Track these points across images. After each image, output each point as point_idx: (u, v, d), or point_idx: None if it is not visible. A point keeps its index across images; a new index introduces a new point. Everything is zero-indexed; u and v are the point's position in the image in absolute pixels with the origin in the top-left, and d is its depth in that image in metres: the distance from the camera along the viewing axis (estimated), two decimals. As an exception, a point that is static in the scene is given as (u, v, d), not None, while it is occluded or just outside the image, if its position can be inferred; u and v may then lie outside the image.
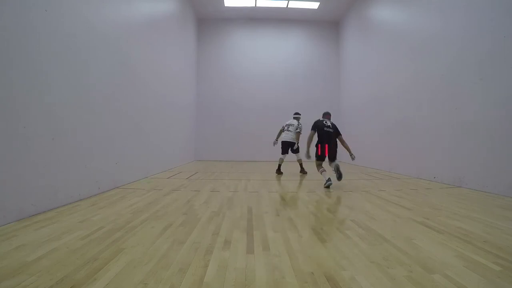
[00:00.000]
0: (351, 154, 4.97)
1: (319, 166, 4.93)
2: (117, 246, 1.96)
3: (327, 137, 4.93)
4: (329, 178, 4.59)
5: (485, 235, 2.22)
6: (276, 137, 7.06)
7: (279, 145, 6.86)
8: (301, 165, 6.76)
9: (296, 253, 1.88)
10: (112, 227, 2.38)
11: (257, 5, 10.17)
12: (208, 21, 11.10)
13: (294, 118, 6.89)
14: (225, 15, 10.86)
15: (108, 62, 4.17)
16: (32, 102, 2.73)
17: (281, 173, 6.57)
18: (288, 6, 10.20)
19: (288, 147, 6.67)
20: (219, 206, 3.26)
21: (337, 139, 5.04)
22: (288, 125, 6.78)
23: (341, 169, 4.75)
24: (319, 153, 4.89)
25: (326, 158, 4.92)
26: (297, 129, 6.65)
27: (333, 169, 4.72)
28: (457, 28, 4.85)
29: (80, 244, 1.99)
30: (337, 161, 4.82)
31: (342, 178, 4.72)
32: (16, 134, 2.54)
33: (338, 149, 5.01)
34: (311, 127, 5.11)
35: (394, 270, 1.63)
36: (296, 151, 6.66)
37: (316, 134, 5.05)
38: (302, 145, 6.24)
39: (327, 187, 4.54)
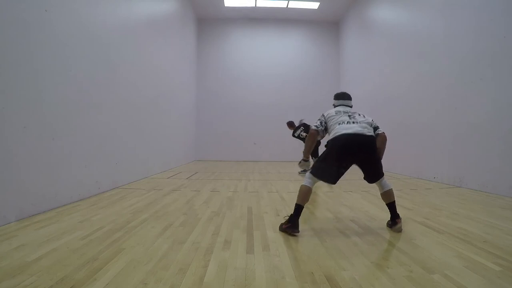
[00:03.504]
0: None
1: None
2: (117, 246, 1.96)
3: None
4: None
5: (485, 235, 2.22)
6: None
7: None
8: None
9: (296, 253, 1.88)
10: (112, 227, 2.38)
11: (257, 5, 10.17)
12: (208, 21, 11.09)
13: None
14: (225, 15, 10.85)
15: (108, 62, 4.17)
16: (32, 102, 2.73)
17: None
18: (288, 6, 10.19)
19: None
20: (219, 206, 3.26)
21: None
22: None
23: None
24: None
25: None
26: None
27: None
28: (457, 28, 4.84)
29: (80, 244, 1.99)
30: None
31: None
32: (16, 134, 2.54)
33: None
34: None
35: (394, 270, 1.62)
36: None
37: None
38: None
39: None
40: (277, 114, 10.93)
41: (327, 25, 11.35)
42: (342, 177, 2.40)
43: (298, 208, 2.30)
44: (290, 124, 6.90)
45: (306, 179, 2.38)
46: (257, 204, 3.41)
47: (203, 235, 2.24)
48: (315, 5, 10.07)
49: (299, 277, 1.54)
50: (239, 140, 10.98)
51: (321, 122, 2.53)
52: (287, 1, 9.88)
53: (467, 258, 1.78)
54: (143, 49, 5.53)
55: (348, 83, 10.43)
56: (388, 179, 5.86)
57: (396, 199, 3.69)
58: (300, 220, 2.70)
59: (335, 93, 2.85)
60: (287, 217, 2.34)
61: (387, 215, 2.90)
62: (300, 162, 2.66)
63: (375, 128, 2.53)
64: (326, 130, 2.53)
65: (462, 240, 2.13)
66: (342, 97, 2.73)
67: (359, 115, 2.54)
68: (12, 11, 2.50)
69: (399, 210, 3.09)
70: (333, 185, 4.47)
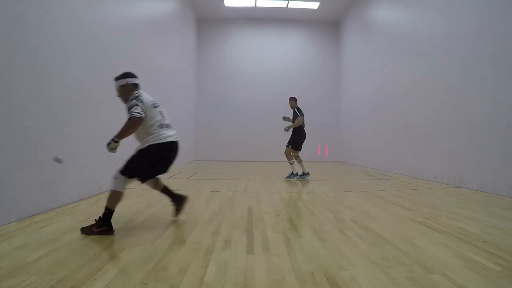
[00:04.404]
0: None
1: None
2: (117, 246, 1.96)
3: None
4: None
5: (485, 235, 2.22)
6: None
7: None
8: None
9: (296, 253, 1.88)
10: (112, 227, 2.38)
11: (257, 5, 10.17)
12: (208, 21, 11.10)
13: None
14: (225, 15, 10.86)
15: (108, 62, 4.16)
16: (32, 102, 2.72)
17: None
18: (288, 6, 10.19)
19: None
20: (219, 206, 3.26)
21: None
22: None
23: None
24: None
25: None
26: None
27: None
28: (457, 28, 4.84)
29: (80, 244, 1.99)
30: None
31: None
32: (16, 134, 2.53)
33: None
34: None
35: (394, 270, 1.62)
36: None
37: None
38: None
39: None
40: (277, 114, 10.90)
41: (327, 25, 11.36)
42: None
43: (109, 212, 2.29)
44: (294, 100, 5.97)
45: (118, 184, 2.45)
46: (257, 204, 3.41)
47: (203, 235, 2.24)
48: (315, 5, 10.08)
49: (299, 277, 1.54)
50: (239, 140, 10.97)
51: (142, 109, 2.41)
52: (287, 1, 9.88)
53: (467, 258, 1.78)
54: (143, 49, 5.53)
55: (348, 83, 10.44)
56: (388, 179, 5.87)
57: (396, 199, 3.73)
58: (301, 220, 2.70)
59: (125, 72, 2.71)
60: (98, 221, 2.25)
61: (387, 215, 2.90)
62: (109, 143, 2.34)
63: None
64: None
65: (462, 240, 2.13)
66: (135, 76, 2.70)
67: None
68: (12, 11, 2.50)
69: (399, 210, 3.11)
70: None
